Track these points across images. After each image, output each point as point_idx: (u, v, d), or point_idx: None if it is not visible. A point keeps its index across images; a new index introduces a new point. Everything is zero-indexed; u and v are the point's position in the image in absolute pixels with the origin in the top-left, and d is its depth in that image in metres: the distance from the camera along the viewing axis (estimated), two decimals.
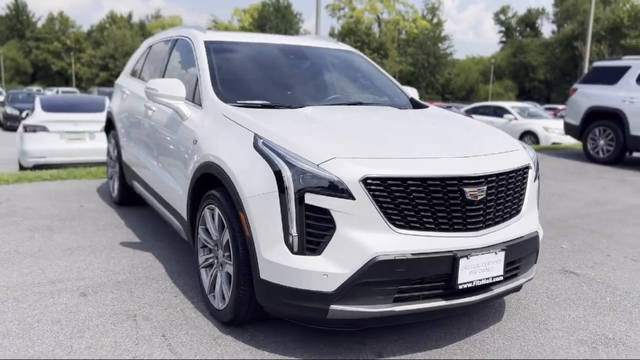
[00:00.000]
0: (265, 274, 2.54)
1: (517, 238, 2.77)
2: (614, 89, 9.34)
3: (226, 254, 2.87)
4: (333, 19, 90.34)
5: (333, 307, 2.44)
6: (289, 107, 3.35)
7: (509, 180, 2.78)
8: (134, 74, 5.25)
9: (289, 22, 76.84)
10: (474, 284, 2.58)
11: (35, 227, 4.59)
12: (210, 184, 3.11)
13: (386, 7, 78.85)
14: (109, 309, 3.08)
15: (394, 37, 76.41)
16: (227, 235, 2.80)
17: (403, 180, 2.47)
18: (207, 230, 3.10)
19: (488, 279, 2.63)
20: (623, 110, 9.03)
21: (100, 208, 5.29)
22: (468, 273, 2.54)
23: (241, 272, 2.68)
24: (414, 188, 2.48)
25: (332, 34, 79.47)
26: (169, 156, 3.68)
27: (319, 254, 2.44)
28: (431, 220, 2.52)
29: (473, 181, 2.59)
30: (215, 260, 3.04)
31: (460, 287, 2.54)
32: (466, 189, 2.56)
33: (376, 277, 2.42)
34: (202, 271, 3.18)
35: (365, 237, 2.42)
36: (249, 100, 3.38)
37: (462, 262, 2.51)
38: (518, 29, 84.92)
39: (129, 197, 5.23)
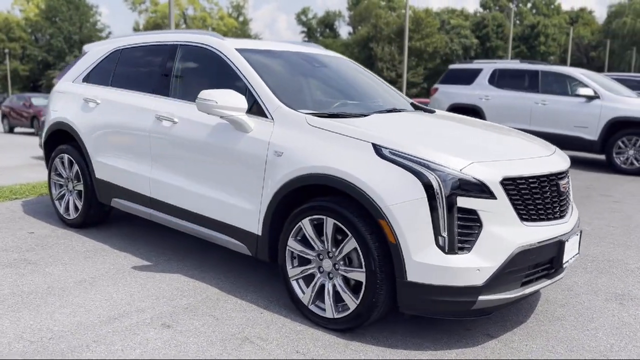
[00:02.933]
0: (413, 276, 2.70)
1: (578, 220, 3.34)
2: (471, 88, 10.84)
3: (342, 262, 2.93)
4: (134, 13, 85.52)
5: (481, 298, 2.71)
6: (357, 115, 3.47)
7: (568, 175, 3.33)
8: (90, 80, 4.71)
9: (84, 15, 70.81)
10: (568, 262, 3.07)
11: (10, 263, 3.92)
12: (304, 195, 3.12)
13: (191, 4, 77.50)
14: (214, 336, 2.91)
15: None
16: (350, 244, 2.87)
17: (526, 179, 2.85)
18: (304, 242, 3.10)
19: (573, 256, 3.15)
20: (480, 106, 10.54)
21: (58, 233, 4.65)
22: (567, 253, 3.02)
23: (377, 277, 2.78)
24: (534, 185, 2.88)
25: (136, 29, 75.58)
26: (222, 171, 3.50)
27: (469, 251, 2.69)
28: (543, 211, 2.93)
29: (562, 175, 3.08)
30: (317, 271, 3.07)
31: (564, 265, 3.00)
32: (560, 182, 3.04)
33: (515, 266, 2.75)
34: (295, 283, 3.17)
35: (506, 232, 2.74)
36: (307, 109, 3.41)
37: (566, 245, 2.98)
38: (319, 29, 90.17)
39: (94, 218, 4.71)
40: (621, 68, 59.99)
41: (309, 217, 3.04)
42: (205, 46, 3.89)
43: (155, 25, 70.48)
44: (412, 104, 4.45)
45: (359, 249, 2.83)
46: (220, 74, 3.78)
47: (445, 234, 2.66)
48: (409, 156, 2.77)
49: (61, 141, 4.87)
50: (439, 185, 2.65)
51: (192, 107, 3.75)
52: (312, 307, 3.08)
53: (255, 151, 3.30)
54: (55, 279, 3.64)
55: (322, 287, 3.06)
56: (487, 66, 10.82)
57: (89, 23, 70.75)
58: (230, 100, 3.30)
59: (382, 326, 3.07)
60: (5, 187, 6.20)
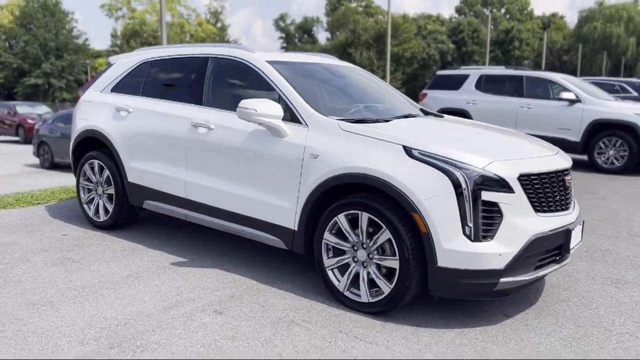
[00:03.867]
0: (444, 261, 3.08)
1: (580, 212, 3.76)
2: (458, 93, 11.33)
3: (376, 252, 3.30)
4: (110, 20, 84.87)
5: (502, 280, 3.10)
6: (379, 120, 3.84)
7: (570, 172, 3.75)
8: (119, 90, 5.01)
9: (60, 21, 70.02)
10: (573, 248, 3.48)
11: (54, 262, 4.19)
12: (336, 194, 3.48)
13: (169, 10, 77.31)
14: (264, 320, 3.25)
15: (182, 41, 75.36)
16: (384, 235, 3.23)
17: (539, 175, 3.26)
18: (339, 235, 3.46)
19: (577, 243, 3.56)
20: (468, 110, 11.03)
21: (90, 235, 4.93)
22: (573, 241, 3.43)
23: (410, 264, 3.15)
24: (545, 180, 3.29)
25: (114, 36, 75.13)
26: (259, 172, 3.83)
27: (492, 239, 3.08)
28: (552, 203, 3.35)
29: (567, 172, 3.51)
30: (352, 260, 3.43)
31: (571, 251, 3.42)
32: (566, 178, 3.46)
33: (531, 251, 3.15)
34: (330, 272, 3.52)
35: (523, 222, 3.14)
36: (335, 115, 3.77)
37: (572, 233, 3.39)
38: (297, 35, 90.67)
39: (124, 220, 5.00)
40: (593, 72, 61.77)
41: (345, 213, 3.40)
42: (236, 59, 4.23)
43: (133, 32, 70.19)
44: (421, 109, 4.84)
45: (392, 239, 3.20)
46: (253, 84, 4.13)
47: (471, 224, 3.04)
48: (438, 156, 3.15)
49: (90, 148, 5.14)
50: (465, 181, 3.04)
51: (227, 114, 4.09)
52: (347, 294, 3.44)
53: (291, 154, 3.65)
54: (103, 275, 3.93)
55: (357, 275, 3.41)
56: (474, 72, 11.33)
57: (65, 30, 69.86)
58: (268, 108, 3.65)
59: (412, 309, 3.44)
60: (25, 193, 6.43)
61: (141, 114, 4.67)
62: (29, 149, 16.90)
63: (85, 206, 5.19)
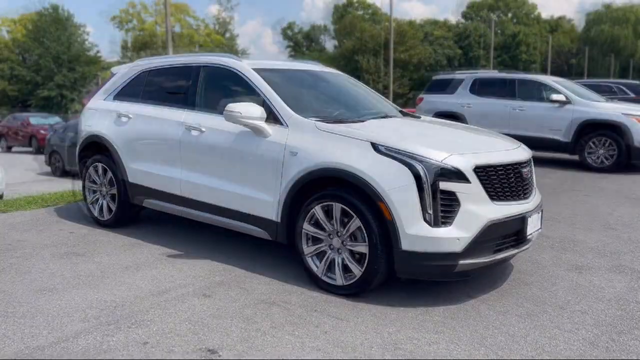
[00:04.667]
0: (407, 245, 3.41)
1: (540, 201, 4.08)
2: (454, 97, 11.66)
3: (348, 239, 3.64)
4: (121, 32, 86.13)
5: (461, 262, 3.42)
6: (354, 120, 4.20)
7: (531, 164, 4.07)
8: (120, 98, 5.41)
9: (72, 34, 71.20)
10: (531, 235, 3.80)
11: (61, 255, 4.58)
12: (316, 187, 3.83)
13: (177, 21, 78.43)
14: (247, 301, 3.60)
15: (191, 51, 76.33)
16: (355, 223, 3.57)
17: (494, 166, 3.59)
18: (316, 225, 3.80)
19: (536, 230, 3.88)
20: (462, 113, 11.34)
21: (95, 232, 5.32)
22: (530, 227, 3.75)
23: (378, 248, 3.49)
24: (500, 171, 3.62)
25: (124, 47, 76.27)
26: (246, 170, 4.19)
27: (450, 225, 3.41)
28: (509, 193, 3.67)
29: (524, 164, 3.83)
30: (328, 248, 3.77)
31: (528, 237, 3.73)
32: (523, 170, 3.78)
33: (487, 236, 3.48)
34: (309, 259, 3.86)
35: (479, 209, 3.47)
36: (315, 117, 4.13)
37: (529, 220, 3.71)
38: (304, 43, 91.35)
39: (126, 218, 5.38)
40: (600, 74, 61.62)
41: (320, 204, 3.75)
42: (225, 66, 4.62)
43: (143, 43, 71.29)
44: (400, 111, 5.19)
45: (362, 227, 3.54)
46: (240, 89, 4.50)
47: (430, 211, 3.38)
48: (401, 151, 3.50)
49: (94, 152, 5.53)
50: (425, 173, 3.37)
51: (216, 117, 4.46)
52: (324, 278, 3.78)
53: (273, 152, 4.01)
54: (105, 266, 4.31)
55: (332, 261, 3.76)
56: (469, 76, 11.66)
57: (77, 42, 71.05)
58: (251, 111, 4.02)
59: (382, 292, 3.77)
60: (36, 197, 6.85)
61: (140, 119, 5.07)
62: (42, 158, 17.45)
63: (91, 206, 5.58)
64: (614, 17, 65.97)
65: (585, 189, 7.94)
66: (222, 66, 4.65)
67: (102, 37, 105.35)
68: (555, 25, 78.03)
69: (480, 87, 11.35)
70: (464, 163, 3.47)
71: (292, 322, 3.30)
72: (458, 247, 3.39)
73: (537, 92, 10.64)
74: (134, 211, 5.40)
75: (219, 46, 76.44)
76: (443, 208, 3.40)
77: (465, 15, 79.76)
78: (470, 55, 71.53)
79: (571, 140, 9.88)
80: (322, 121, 4.02)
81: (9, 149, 23.88)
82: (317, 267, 3.83)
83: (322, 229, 3.79)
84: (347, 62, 73.54)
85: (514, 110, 10.63)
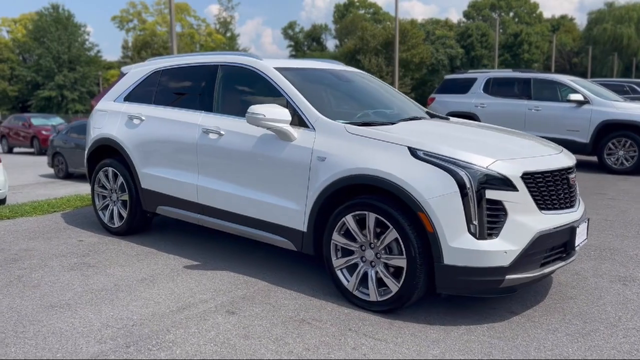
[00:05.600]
0: (450, 259, 3.14)
1: (585, 210, 3.81)
2: (467, 97, 11.38)
3: (383, 251, 3.38)
4: (122, 32, 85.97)
5: (508, 276, 3.15)
6: (384, 123, 3.93)
7: (575, 170, 3.80)
8: (132, 99, 5.14)
9: (72, 34, 70.90)
10: (579, 245, 3.53)
11: (71, 266, 4.31)
12: (346, 194, 3.57)
13: (178, 21, 78.17)
14: (275, 319, 3.33)
15: (192, 51, 76.06)
16: (391, 235, 3.31)
17: (542, 173, 3.32)
18: (347, 235, 3.54)
19: (583, 241, 3.61)
20: (476, 113, 11.07)
21: (105, 240, 5.05)
22: (577, 238, 3.48)
23: (417, 262, 3.22)
24: (548, 178, 3.35)
25: (125, 47, 76.08)
26: (269, 176, 3.93)
27: (496, 237, 3.14)
28: (557, 202, 3.40)
29: (570, 170, 3.56)
30: (360, 260, 3.50)
31: (576, 248, 3.47)
32: (570, 176, 3.51)
33: (535, 248, 3.21)
34: (339, 272, 3.60)
35: (527, 220, 3.20)
36: (341, 119, 3.86)
37: (577, 230, 3.44)
38: (305, 43, 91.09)
39: (138, 225, 5.12)
40: (603, 73, 61.35)
41: (352, 213, 3.48)
42: (245, 66, 4.34)
43: (144, 43, 71.03)
44: (426, 112, 4.92)
45: (399, 238, 3.28)
46: (261, 90, 4.24)
47: (476, 222, 3.11)
48: (442, 156, 3.23)
49: (104, 156, 5.27)
50: (470, 180, 3.11)
51: (236, 120, 4.20)
52: (356, 293, 3.51)
53: (299, 157, 3.74)
54: (119, 278, 4.04)
55: (365, 274, 3.49)
56: (482, 75, 11.39)
57: (78, 42, 70.81)
58: (276, 113, 3.75)
59: (419, 307, 3.50)
60: (42, 202, 6.58)
61: (153, 121, 4.80)
62: (44, 160, 17.21)
63: (100, 213, 5.31)
64: (617, 15, 65.62)
65: (609, 192, 7.66)
66: (241, 65, 4.38)
67: (102, 37, 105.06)
68: (557, 24, 77.78)
69: (494, 87, 11.07)
70: (511, 169, 3.20)
71: (327, 343, 3.03)
72: (505, 261, 3.12)
73: (553, 92, 10.37)
74: (146, 218, 5.13)
75: (220, 45, 76.21)
76: (489, 219, 3.14)
77: (467, 15, 79.48)
78: (472, 55, 71.26)
79: (590, 141, 9.61)
80: (352, 124, 3.75)
81: (10, 150, 23.61)
82: (347, 281, 3.56)
83: (354, 240, 3.52)
84: (349, 62, 73.25)
85: (530, 110, 10.36)
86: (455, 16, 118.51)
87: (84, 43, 72.32)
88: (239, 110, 4.29)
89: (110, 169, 5.14)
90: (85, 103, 67.56)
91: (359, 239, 3.49)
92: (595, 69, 63.23)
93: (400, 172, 3.27)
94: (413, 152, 3.31)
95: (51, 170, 14.79)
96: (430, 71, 69.84)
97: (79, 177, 13.90)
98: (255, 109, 3.76)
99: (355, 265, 3.54)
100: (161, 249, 4.79)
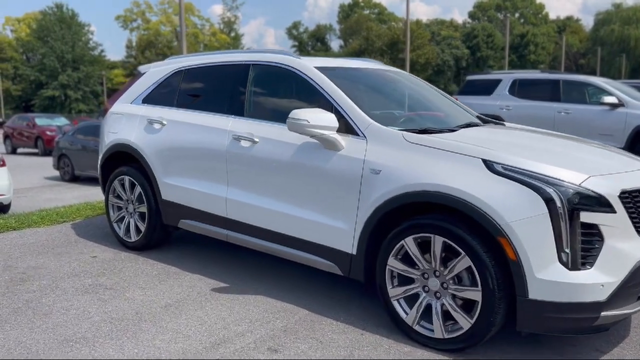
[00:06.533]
0: (536, 293, 2.67)
1: None
2: (491, 99, 10.88)
3: (451, 281, 2.90)
4: (125, 31, 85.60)
5: (603, 313, 2.68)
6: (442, 130, 3.46)
7: None
8: (151, 101, 4.67)
9: (76, 34, 70.49)
10: None
11: (86, 288, 3.84)
12: (405, 213, 3.09)
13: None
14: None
15: (196, 51, 75.69)
16: (462, 262, 2.83)
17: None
18: (406, 260, 3.07)
19: None
20: (501, 115, 10.56)
21: (121, 256, 4.57)
22: None
23: (495, 296, 2.74)
24: None
25: (129, 47, 75.77)
26: (311, 189, 3.45)
27: (592, 266, 2.67)
28: None
29: None
30: (422, 290, 3.03)
31: None
32: None
33: (635, 280, 2.73)
34: (396, 303, 3.12)
35: (625, 246, 2.72)
36: (393, 126, 3.39)
37: None
38: (309, 43, 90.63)
39: (157, 240, 4.65)
40: (611, 74, 60.72)
41: (414, 236, 3.00)
42: (281, 65, 3.86)
43: (148, 42, 70.62)
44: (477, 116, 4.45)
45: (473, 267, 2.80)
46: (301, 93, 3.77)
47: (568, 250, 2.63)
48: (526, 171, 2.75)
49: (120, 163, 4.80)
50: (561, 200, 2.63)
51: (272, 126, 3.74)
52: (417, 328, 3.04)
53: (349, 169, 3.27)
54: (140, 304, 3.57)
55: (428, 306, 3.02)
56: (507, 76, 10.89)
57: (82, 42, 70.46)
58: (322, 119, 3.28)
59: (492, 345, 3.02)
60: (50, 210, 6.11)
61: (176, 126, 4.32)
62: (48, 161, 16.78)
63: (115, 225, 4.84)
64: (624, 16, 65.03)
65: None
66: (277, 65, 3.89)
67: (106, 37, 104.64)
68: (563, 26, 77.20)
69: (521, 88, 10.57)
70: (608, 187, 2.73)
71: None
72: (602, 296, 2.65)
73: (584, 94, 9.88)
74: (166, 232, 4.66)
75: (224, 45, 75.84)
76: (583, 245, 2.66)
77: (472, 15, 78.96)
78: (478, 56, 70.73)
79: (625, 146, 9.09)
80: (408, 131, 3.27)
81: (14, 151, 23.17)
82: (406, 314, 3.08)
83: (415, 266, 3.05)
84: None
85: (559, 113, 9.86)
86: (458, 16, 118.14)
87: (87, 42, 71.92)
88: (274, 115, 3.84)
89: (126, 178, 4.66)
90: (89, 103, 67.28)
91: (420, 265, 3.02)
92: (602, 70, 62.64)
93: (475, 189, 2.80)
94: (489, 165, 2.83)
95: (56, 172, 14.34)
96: (435, 72, 69.35)
97: (86, 180, 13.45)
98: (298, 114, 3.28)
99: (416, 296, 3.06)
100: (183, 267, 4.31)
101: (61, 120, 24.11)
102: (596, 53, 62.73)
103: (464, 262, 2.83)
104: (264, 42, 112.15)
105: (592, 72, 59.81)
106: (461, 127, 3.72)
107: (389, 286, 3.15)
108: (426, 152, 3.06)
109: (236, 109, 4.00)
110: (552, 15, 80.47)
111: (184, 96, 4.46)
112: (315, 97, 3.62)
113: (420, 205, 3.06)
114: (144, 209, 4.56)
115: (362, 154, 3.25)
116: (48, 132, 21.26)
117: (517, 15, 77.83)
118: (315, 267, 3.58)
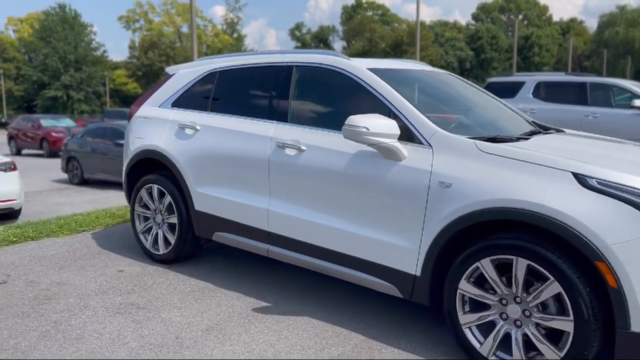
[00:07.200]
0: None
1: None
2: (514, 102, 10.54)
3: (535, 308, 2.60)
4: (128, 32, 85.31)
5: None
6: (513, 139, 3.16)
7: None
8: (181, 105, 4.36)
9: (79, 34, 70.19)
10: None
11: (117, 308, 3.53)
12: (479, 231, 2.79)
13: (185, 21, 77.46)
14: None
15: (199, 51, 75.44)
16: (551, 288, 2.53)
17: None
18: (482, 284, 2.77)
19: None
20: None
21: (150, 270, 4.26)
22: None
23: (590, 328, 2.44)
24: None
25: (131, 47, 75.53)
26: (368, 203, 3.15)
27: None
28: None
29: None
30: (500, 317, 2.72)
31: None
32: None
33: None
34: (468, 331, 2.82)
35: None
36: (462, 134, 3.09)
37: None
38: (312, 44, 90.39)
39: (187, 253, 4.34)
40: (615, 76, 60.39)
41: (491, 257, 2.70)
42: (329, 67, 3.56)
43: (150, 43, 70.33)
44: (532, 122, 4.15)
45: (564, 294, 2.50)
46: (353, 97, 3.47)
47: None
48: (626, 187, 2.45)
49: (147, 170, 4.50)
50: None
51: (321, 133, 3.44)
52: (493, 358, 2.73)
53: (413, 182, 2.97)
54: (178, 327, 3.26)
55: (506, 335, 2.71)
56: (530, 79, 10.59)
57: (84, 42, 70.19)
58: (382, 126, 2.98)
59: None
60: (68, 218, 5.80)
61: (211, 132, 4.01)
62: (54, 162, 16.50)
63: (142, 236, 4.54)
64: (628, 19, 64.80)
65: None
66: (324, 66, 3.58)
67: (108, 37, 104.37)
68: (567, 28, 76.93)
69: (545, 91, 10.27)
70: None
71: None
72: None
73: (612, 97, 9.58)
74: (198, 245, 4.35)
75: (227, 46, 75.62)
76: None
77: (475, 17, 78.71)
78: (482, 57, 70.46)
79: None
80: (480, 139, 2.97)
81: (18, 152, 22.83)
82: (480, 344, 2.78)
83: (491, 291, 2.74)
84: None
85: (587, 117, 9.56)
86: (460, 18, 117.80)
87: (90, 43, 71.60)
88: (322, 120, 3.55)
89: (155, 186, 4.35)
90: (91, 103, 67.01)
91: (499, 290, 2.71)
92: (607, 72, 62.34)
93: (568, 207, 2.49)
94: (581, 179, 2.53)
95: (63, 175, 14.03)
96: None
97: (95, 184, 13.13)
98: (356, 120, 2.98)
99: (492, 324, 2.76)
100: (217, 283, 4.01)
101: (66, 122, 23.78)
102: (600, 55, 62.53)
103: (552, 287, 2.53)
104: (265, 44, 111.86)
105: (598, 75, 59.50)
106: (528, 135, 3.42)
107: (459, 312, 2.84)
108: (504, 164, 2.75)
109: (278, 114, 3.70)
110: (555, 17, 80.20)
111: (218, 100, 4.15)
112: (369, 102, 3.32)
113: (494, 223, 2.75)
114: (174, 219, 4.26)
115: (429, 165, 2.94)
116: (53, 134, 20.94)
117: (520, 17, 77.55)
118: (368, 287, 3.28)
